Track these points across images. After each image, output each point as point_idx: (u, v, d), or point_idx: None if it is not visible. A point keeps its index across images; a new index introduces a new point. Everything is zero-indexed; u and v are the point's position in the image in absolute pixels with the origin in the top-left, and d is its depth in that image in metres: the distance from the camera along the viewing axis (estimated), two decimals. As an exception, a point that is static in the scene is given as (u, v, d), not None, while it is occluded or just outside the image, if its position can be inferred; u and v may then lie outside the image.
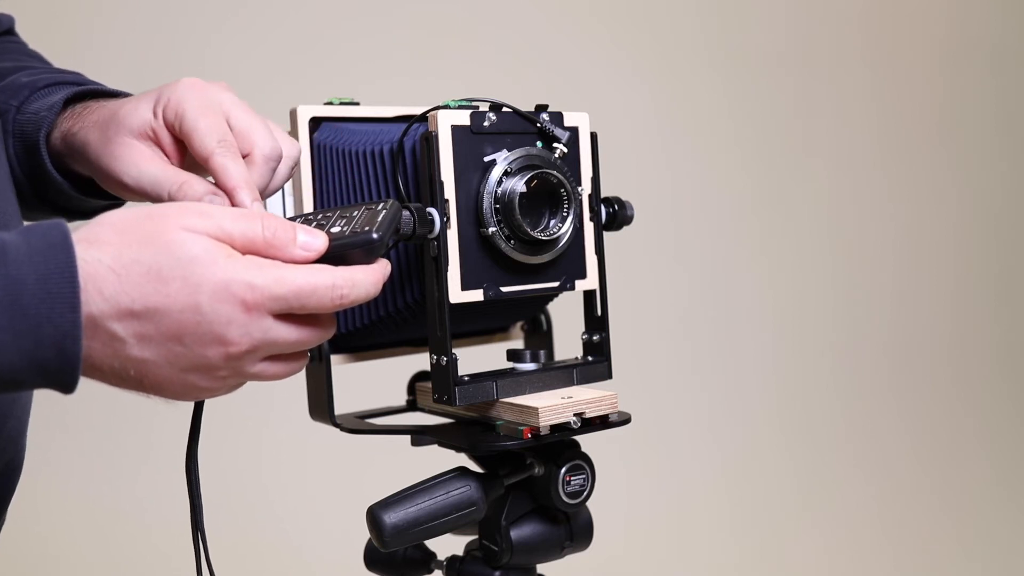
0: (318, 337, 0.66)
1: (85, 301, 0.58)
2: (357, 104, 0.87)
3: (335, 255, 0.66)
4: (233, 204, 0.72)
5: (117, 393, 0.66)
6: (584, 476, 0.81)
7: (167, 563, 1.86)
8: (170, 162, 0.75)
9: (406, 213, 0.73)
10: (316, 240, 0.65)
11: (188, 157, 0.76)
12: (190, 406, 0.74)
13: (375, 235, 0.66)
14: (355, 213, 0.69)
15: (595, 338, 0.85)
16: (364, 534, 0.79)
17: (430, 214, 0.74)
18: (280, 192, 0.85)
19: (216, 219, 0.62)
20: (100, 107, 0.79)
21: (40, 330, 0.56)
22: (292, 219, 0.70)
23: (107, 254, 0.59)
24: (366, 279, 0.65)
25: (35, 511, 1.92)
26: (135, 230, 0.60)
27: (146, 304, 0.59)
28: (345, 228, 0.68)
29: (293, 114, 0.85)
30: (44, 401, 0.89)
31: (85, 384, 0.61)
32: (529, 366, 0.82)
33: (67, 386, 0.59)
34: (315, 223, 0.69)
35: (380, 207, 0.69)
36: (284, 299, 0.62)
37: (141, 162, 0.73)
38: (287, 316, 0.63)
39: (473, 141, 0.76)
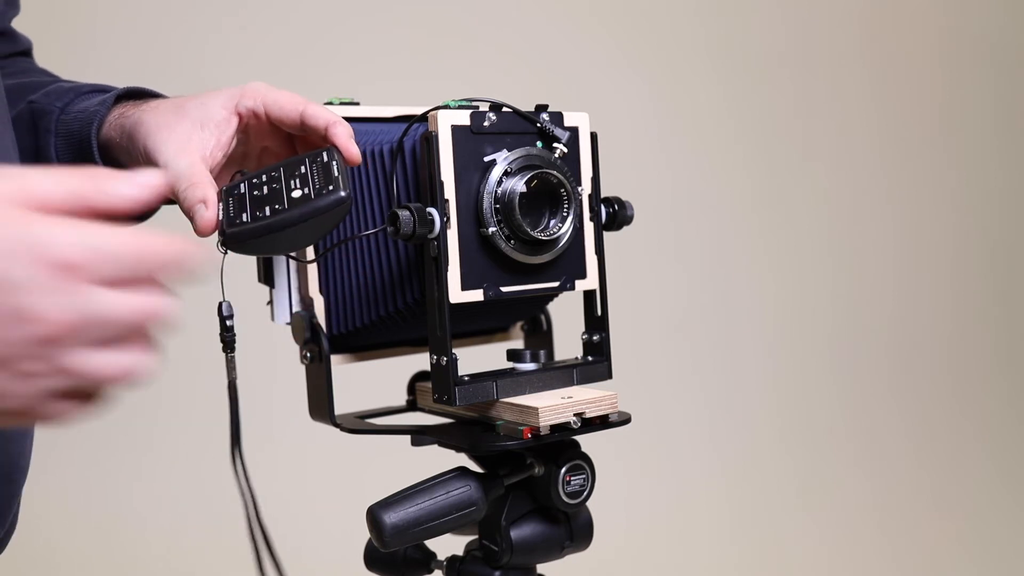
0: (162, 304, 0.50)
1: None
2: (357, 104, 0.87)
3: (300, 220, 0.65)
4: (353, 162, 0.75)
5: (120, 396, 0.65)
6: (584, 476, 0.81)
7: (168, 563, 1.86)
8: (214, 154, 0.75)
9: (405, 213, 0.73)
10: (148, 175, 0.51)
11: (235, 153, 0.78)
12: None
13: (343, 193, 0.66)
14: (303, 169, 0.69)
15: (595, 338, 0.85)
16: (364, 534, 0.79)
17: (430, 214, 0.74)
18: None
19: (17, 180, 0.49)
20: (157, 101, 0.80)
21: None
22: (235, 175, 0.69)
23: None
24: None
25: (35, 512, 1.92)
26: None
27: None
28: (306, 190, 0.67)
29: (293, 114, 0.85)
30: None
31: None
32: (529, 366, 0.82)
33: None
34: (265, 185, 0.69)
35: (326, 159, 0.70)
36: (115, 257, 0.48)
37: (183, 153, 0.73)
38: (115, 284, 0.48)
39: (473, 141, 0.76)
